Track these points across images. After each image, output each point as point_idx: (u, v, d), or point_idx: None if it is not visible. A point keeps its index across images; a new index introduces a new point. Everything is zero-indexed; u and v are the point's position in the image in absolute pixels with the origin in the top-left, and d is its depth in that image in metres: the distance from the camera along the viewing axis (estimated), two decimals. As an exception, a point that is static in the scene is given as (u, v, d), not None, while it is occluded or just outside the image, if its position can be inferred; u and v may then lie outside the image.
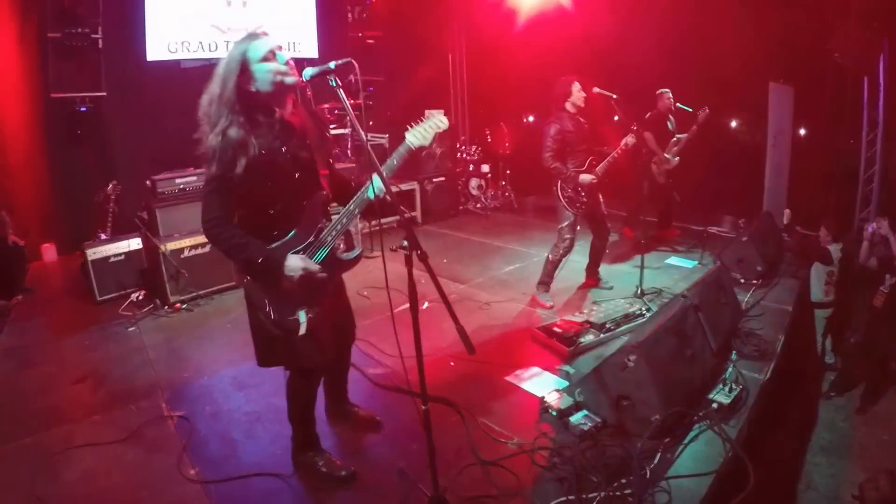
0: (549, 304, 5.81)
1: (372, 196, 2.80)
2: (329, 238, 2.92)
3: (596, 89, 5.61)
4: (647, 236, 6.34)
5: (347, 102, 2.63)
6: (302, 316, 2.93)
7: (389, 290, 3.04)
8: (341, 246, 3.04)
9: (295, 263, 2.79)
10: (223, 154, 2.71)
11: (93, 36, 8.52)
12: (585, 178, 5.49)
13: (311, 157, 2.95)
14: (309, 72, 2.72)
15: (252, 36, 2.80)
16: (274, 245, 2.85)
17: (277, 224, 2.88)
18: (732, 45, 8.08)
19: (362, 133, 2.67)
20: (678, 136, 7.59)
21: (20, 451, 3.94)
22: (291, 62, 2.78)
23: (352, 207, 2.89)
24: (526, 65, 11.21)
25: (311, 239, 2.90)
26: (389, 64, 11.69)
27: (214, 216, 2.78)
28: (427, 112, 3.01)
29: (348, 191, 3.08)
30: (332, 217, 3.02)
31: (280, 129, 2.82)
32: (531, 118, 12.39)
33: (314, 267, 2.85)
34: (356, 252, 3.12)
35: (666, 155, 7.52)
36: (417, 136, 2.89)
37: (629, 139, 5.51)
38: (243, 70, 2.74)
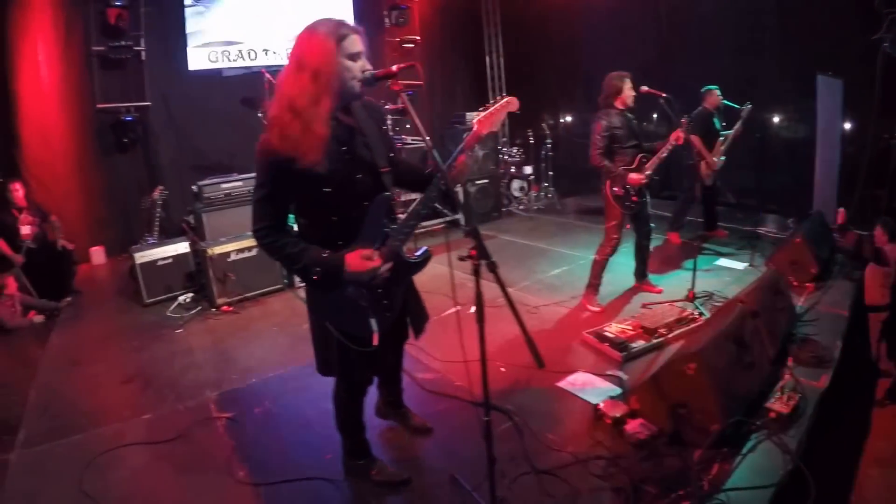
0: (598, 307, 5.65)
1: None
2: (397, 243, 2.73)
3: (644, 88, 5.47)
4: (697, 237, 6.16)
5: (411, 107, 2.59)
6: (374, 325, 2.75)
7: (454, 296, 2.96)
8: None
9: (355, 262, 2.59)
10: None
11: (135, 48, 8.77)
12: (635, 176, 5.33)
13: (372, 157, 2.70)
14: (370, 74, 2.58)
15: (341, 25, 2.52)
16: (338, 255, 2.62)
17: (341, 232, 2.67)
18: (777, 36, 7.90)
19: (426, 137, 2.56)
20: (724, 133, 7.38)
21: (69, 449, 3.98)
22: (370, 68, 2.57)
23: (419, 208, 2.75)
24: (567, 63, 11.15)
25: (378, 245, 2.69)
26: (427, 68, 11.68)
27: (265, 225, 2.59)
28: (495, 99, 2.87)
29: (420, 177, 2.96)
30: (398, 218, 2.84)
31: (338, 129, 2.58)
32: (569, 118, 12.29)
33: (376, 261, 2.64)
34: (424, 253, 2.96)
35: (714, 158, 7.33)
36: (487, 123, 2.80)
37: (679, 136, 5.33)
38: (337, 54, 2.49)
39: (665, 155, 5.43)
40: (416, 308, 3.25)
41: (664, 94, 5.41)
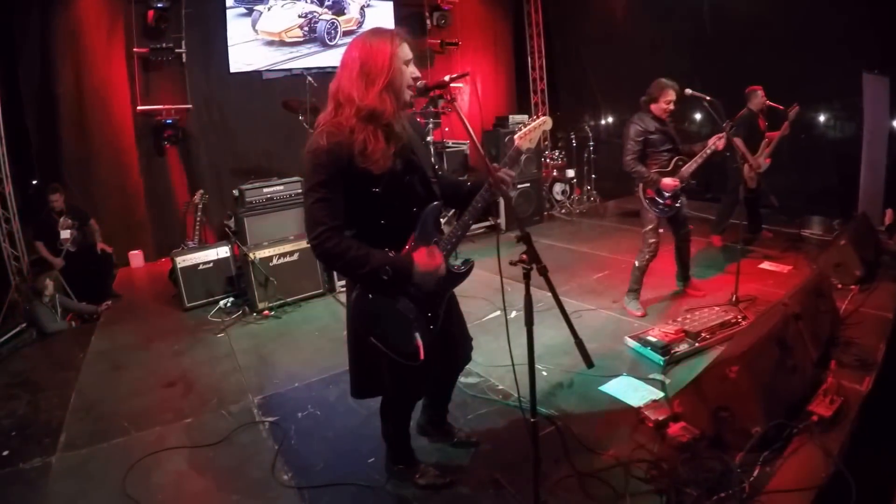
0: (640, 311, 5.64)
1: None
2: (445, 252, 2.79)
3: (689, 91, 5.40)
4: (741, 240, 6.05)
5: (463, 115, 2.62)
6: (419, 339, 2.78)
7: (503, 301, 2.91)
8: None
9: (424, 260, 2.64)
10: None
11: (177, 51, 8.91)
12: (669, 182, 5.32)
13: (420, 164, 2.78)
14: (422, 85, 2.65)
15: (396, 34, 2.61)
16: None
17: (390, 239, 2.69)
18: (822, 33, 7.76)
19: (479, 146, 2.59)
20: (769, 135, 7.26)
21: (111, 452, 4.05)
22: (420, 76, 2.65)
23: (466, 218, 2.80)
24: (610, 64, 11.09)
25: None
26: (469, 70, 11.66)
27: (326, 227, 2.52)
28: (531, 118, 2.94)
29: (462, 191, 3.00)
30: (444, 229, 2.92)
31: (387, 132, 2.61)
32: (611, 120, 12.21)
33: (439, 257, 2.72)
34: (466, 262, 3.01)
35: (759, 160, 7.22)
36: (525, 140, 2.85)
37: (718, 142, 5.29)
38: (393, 60, 2.58)
39: (702, 160, 5.39)
40: (462, 329, 3.30)
41: (708, 98, 5.36)
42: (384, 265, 2.55)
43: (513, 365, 2.91)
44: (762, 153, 7.23)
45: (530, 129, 2.85)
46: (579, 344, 2.48)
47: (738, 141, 6.93)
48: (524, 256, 2.47)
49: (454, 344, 3.18)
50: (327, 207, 2.53)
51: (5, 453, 4.13)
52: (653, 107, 5.40)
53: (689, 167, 5.38)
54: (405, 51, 2.58)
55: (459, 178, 3.18)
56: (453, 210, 6.12)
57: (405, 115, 2.73)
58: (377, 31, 2.59)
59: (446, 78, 2.60)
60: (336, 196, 2.55)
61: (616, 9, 11.07)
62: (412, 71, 2.61)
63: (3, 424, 4.58)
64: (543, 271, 2.43)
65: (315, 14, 9.98)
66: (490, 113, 11.23)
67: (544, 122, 2.92)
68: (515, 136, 2.88)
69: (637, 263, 5.64)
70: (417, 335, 2.77)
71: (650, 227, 5.54)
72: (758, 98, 7.19)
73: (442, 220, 2.97)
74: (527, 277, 2.50)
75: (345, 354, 3.05)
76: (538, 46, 12.71)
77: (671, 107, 5.38)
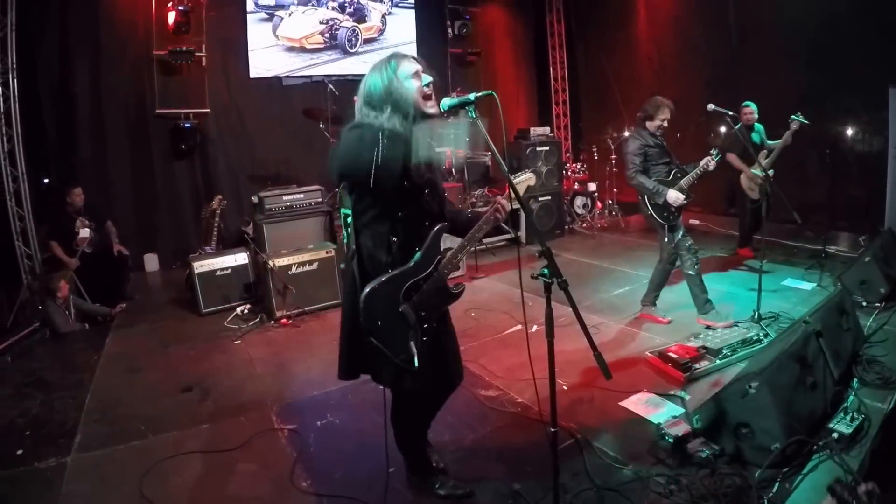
0: (726, 322, 5.64)
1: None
2: (446, 271, 3.00)
3: (711, 106, 5.51)
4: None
5: (485, 132, 2.72)
6: (413, 346, 2.91)
7: (524, 315, 3.14)
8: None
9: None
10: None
11: (197, 54, 9.02)
12: (673, 196, 5.49)
13: (436, 181, 3.01)
14: (447, 102, 2.77)
15: (399, 55, 2.89)
16: (397, 272, 2.87)
17: (398, 231, 2.88)
18: (848, 48, 7.81)
19: (503, 164, 2.79)
20: (769, 143, 7.39)
21: (127, 454, 4.11)
22: (430, 91, 2.82)
23: (465, 243, 3.03)
24: (633, 76, 11.18)
25: (431, 269, 2.95)
26: (490, 80, 11.93)
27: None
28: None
29: (459, 220, 3.18)
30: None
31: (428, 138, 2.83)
32: (626, 133, 12.25)
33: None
34: (462, 288, 3.17)
35: (754, 170, 7.36)
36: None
37: (710, 162, 5.50)
38: (400, 80, 2.80)
39: (696, 178, 5.54)
40: (455, 348, 3.35)
41: (731, 113, 5.49)
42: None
43: (534, 379, 2.99)
44: (759, 164, 7.29)
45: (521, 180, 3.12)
46: (598, 356, 2.59)
47: (731, 157, 7.27)
48: (545, 270, 2.62)
49: (448, 361, 3.24)
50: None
51: (19, 452, 4.19)
52: (648, 123, 5.65)
53: (687, 180, 5.54)
54: (405, 67, 2.79)
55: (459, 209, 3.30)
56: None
57: (429, 127, 2.86)
58: (377, 66, 2.88)
59: (471, 96, 2.69)
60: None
61: (640, 20, 11.18)
62: (419, 84, 2.79)
63: (16, 423, 4.65)
64: (564, 285, 2.56)
65: (336, 21, 10.14)
66: (511, 124, 11.30)
67: (529, 179, 3.18)
68: (500, 198, 3.10)
69: (691, 272, 5.71)
70: (413, 343, 2.89)
71: (680, 233, 5.68)
72: (744, 114, 7.41)
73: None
74: (548, 291, 2.66)
75: None
76: (560, 57, 12.84)
77: (665, 124, 5.65)
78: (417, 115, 2.79)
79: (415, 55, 2.89)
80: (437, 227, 2.96)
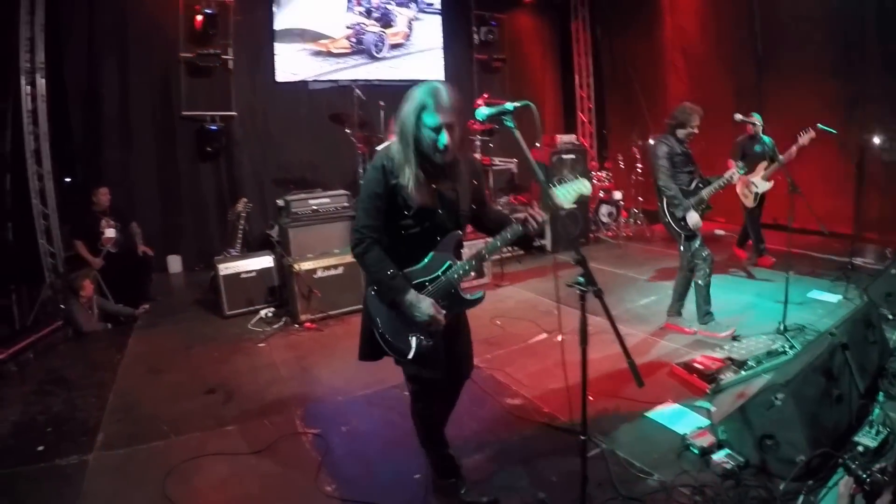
0: (727, 331, 5.62)
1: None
2: (455, 277, 3.06)
3: (738, 116, 5.52)
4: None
5: (523, 143, 2.83)
6: (413, 342, 3.06)
7: (560, 323, 2.99)
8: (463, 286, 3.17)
9: (425, 308, 2.95)
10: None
11: (223, 57, 9.09)
12: (694, 220, 5.52)
13: (456, 200, 3.09)
14: (484, 112, 2.86)
15: (437, 94, 2.85)
16: (406, 271, 3.03)
17: (408, 248, 3.04)
18: (877, 55, 7.74)
19: (539, 173, 2.85)
20: (780, 158, 7.26)
21: (150, 454, 4.12)
22: (450, 144, 2.85)
23: (482, 251, 3.14)
24: (659, 84, 11.11)
25: (438, 274, 3.05)
26: (515, 87, 11.90)
27: (363, 224, 2.99)
28: (569, 176, 3.27)
29: (503, 227, 3.22)
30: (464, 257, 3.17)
31: (433, 170, 2.97)
32: (652, 141, 12.16)
33: (440, 320, 2.98)
34: (479, 295, 3.23)
35: (752, 179, 7.43)
36: (564, 195, 3.16)
37: (734, 175, 5.62)
38: (417, 120, 2.86)
39: (716, 189, 5.60)
40: (467, 350, 3.52)
41: (757, 122, 5.49)
42: (383, 279, 2.97)
43: (566, 388, 3.10)
44: (758, 174, 7.46)
45: (569, 189, 3.17)
46: (631, 363, 2.67)
47: (729, 162, 7.22)
48: (580, 279, 2.71)
49: (458, 362, 3.39)
50: (367, 210, 3.00)
51: (40, 448, 4.20)
52: (679, 131, 5.63)
53: (708, 191, 5.58)
54: (432, 119, 2.81)
55: (504, 213, 3.36)
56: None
57: (461, 155, 3.05)
58: (416, 90, 2.90)
59: (509, 106, 2.78)
60: (382, 201, 2.97)
61: (666, 27, 11.10)
62: (434, 140, 2.84)
63: (38, 420, 4.66)
64: (599, 294, 2.69)
65: (362, 26, 10.16)
66: (537, 132, 11.22)
67: (584, 189, 3.24)
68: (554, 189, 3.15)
69: (701, 283, 5.69)
70: (413, 339, 3.05)
71: (697, 242, 5.64)
72: (748, 126, 7.43)
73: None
74: (582, 300, 2.75)
75: (389, 371, 3.40)
76: (586, 64, 12.81)
77: (696, 131, 5.62)
78: (425, 161, 2.92)
79: (449, 99, 2.85)
80: (451, 233, 3.08)
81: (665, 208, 5.67)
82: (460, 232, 3.14)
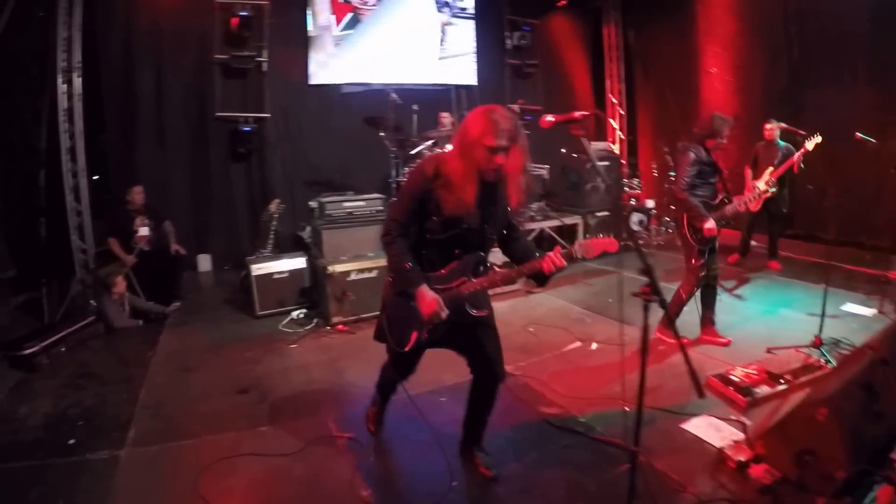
0: (725, 340, 5.69)
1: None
2: (466, 293, 3.32)
3: (783, 125, 5.41)
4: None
5: (590, 148, 2.82)
6: (413, 336, 3.40)
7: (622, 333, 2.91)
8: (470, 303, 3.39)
9: (430, 297, 3.23)
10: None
11: (257, 59, 9.11)
12: (710, 227, 5.44)
13: (486, 220, 3.30)
14: (549, 118, 3.00)
15: (496, 122, 3.04)
16: (426, 274, 3.32)
17: (429, 252, 3.34)
18: None
19: (602, 175, 2.85)
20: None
21: (182, 452, 4.11)
22: (500, 166, 3.08)
23: (485, 283, 3.35)
24: (692, 92, 10.97)
25: (451, 285, 3.33)
26: (548, 92, 11.88)
27: (393, 218, 3.33)
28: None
29: (526, 258, 3.44)
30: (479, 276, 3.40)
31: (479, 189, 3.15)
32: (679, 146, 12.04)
33: (441, 313, 3.25)
34: (483, 312, 3.46)
35: (757, 184, 7.42)
36: (585, 249, 3.25)
37: (763, 190, 5.85)
38: (479, 138, 3.05)
39: (746, 204, 5.86)
40: (495, 353, 3.62)
41: (802, 132, 5.37)
42: (404, 264, 3.26)
43: (625, 406, 3.18)
44: (762, 179, 7.46)
45: (595, 244, 3.25)
46: (692, 374, 2.79)
47: (745, 169, 7.81)
48: (645, 289, 2.81)
49: (490, 360, 3.56)
50: (400, 206, 3.35)
51: (71, 442, 4.20)
52: (710, 141, 5.54)
53: (733, 207, 5.60)
54: (489, 139, 3.01)
55: (532, 249, 3.61)
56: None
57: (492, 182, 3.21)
58: (479, 113, 3.13)
59: (577, 114, 2.92)
60: (411, 202, 3.28)
61: (699, 33, 10.92)
62: (487, 160, 3.05)
63: (69, 414, 4.65)
64: (664, 304, 2.75)
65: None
66: (568, 138, 11.13)
67: (610, 244, 3.30)
68: (576, 244, 3.27)
69: (686, 297, 5.70)
70: (415, 333, 3.38)
71: (703, 262, 5.63)
72: (766, 130, 7.73)
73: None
74: (646, 310, 2.84)
75: (424, 375, 3.86)
76: (618, 71, 12.72)
77: (725, 142, 5.57)
78: (473, 176, 3.13)
79: (510, 125, 3.06)
80: (473, 255, 3.34)
81: (684, 220, 5.63)
82: (482, 254, 3.39)
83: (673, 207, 10.30)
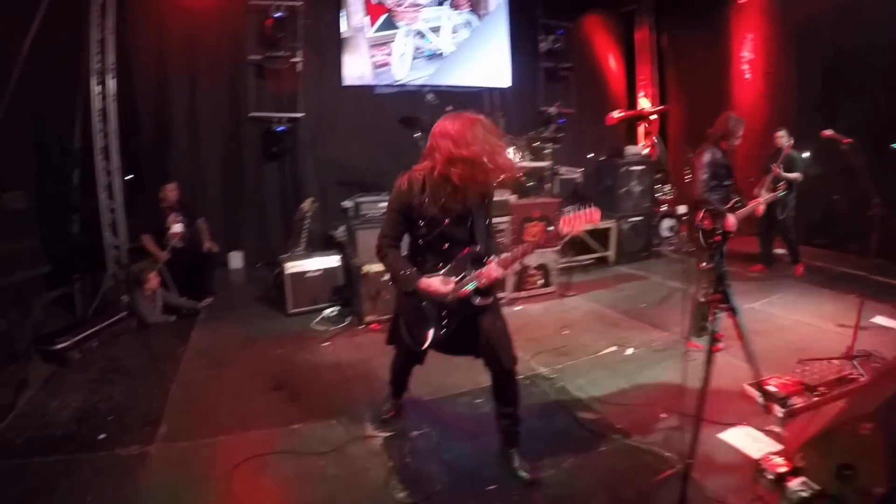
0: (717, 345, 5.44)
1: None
2: (468, 286, 3.47)
3: (828, 132, 5.31)
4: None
5: (662, 144, 2.64)
6: (430, 334, 3.58)
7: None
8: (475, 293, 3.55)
9: (434, 282, 3.43)
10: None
11: (292, 60, 9.05)
12: (732, 221, 5.44)
13: (463, 213, 3.49)
14: (616, 115, 2.83)
15: (475, 124, 3.35)
16: (428, 276, 3.50)
17: (423, 254, 3.59)
18: None
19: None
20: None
21: (214, 449, 4.03)
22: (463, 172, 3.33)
23: (466, 279, 3.48)
24: (723, 96, 10.73)
25: (455, 281, 3.48)
26: (581, 96, 11.68)
27: (383, 234, 3.59)
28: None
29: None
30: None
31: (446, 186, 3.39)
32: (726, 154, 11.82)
33: (447, 290, 3.43)
34: (487, 300, 3.60)
35: (761, 192, 7.31)
36: (571, 225, 3.33)
37: (776, 196, 6.10)
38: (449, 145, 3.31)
39: (757, 206, 5.87)
40: (500, 341, 3.67)
41: (848, 140, 5.18)
42: (399, 273, 3.53)
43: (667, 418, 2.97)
44: (763, 187, 7.55)
45: (578, 217, 3.30)
46: (758, 386, 3.05)
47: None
48: (716, 296, 2.94)
49: (494, 347, 3.61)
50: (389, 221, 3.60)
51: (102, 436, 4.14)
52: (724, 142, 5.58)
53: (745, 211, 5.68)
54: (457, 147, 3.28)
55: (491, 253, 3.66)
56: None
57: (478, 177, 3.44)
58: (444, 124, 3.39)
59: (646, 110, 2.66)
60: (396, 216, 3.55)
61: (733, 39, 10.66)
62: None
63: (100, 408, 4.60)
64: (735, 313, 2.90)
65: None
66: (600, 142, 10.82)
67: (592, 215, 3.33)
68: (562, 219, 3.35)
69: (703, 300, 5.58)
70: (430, 331, 3.58)
71: (717, 261, 5.56)
72: (776, 139, 7.84)
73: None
74: (715, 319, 2.99)
75: (460, 376, 4.32)
76: (650, 75, 12.52)
77: (739, 142, 5.62)
78: (442, 179, 3.37)
79: (479, 130, 3.32)
80: (467, 250, 3.52)
81: (698, 220, 5.55)
82: (477, 247, 3.53)
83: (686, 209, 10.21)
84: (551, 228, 3.45)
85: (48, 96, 7.03)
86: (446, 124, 3.34)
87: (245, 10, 8.77)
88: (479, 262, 3.50)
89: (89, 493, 3.47)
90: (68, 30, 7.22)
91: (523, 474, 3.66)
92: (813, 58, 9.15)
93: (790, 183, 7.42)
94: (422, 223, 3.45)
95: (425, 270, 3.50)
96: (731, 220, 5.41)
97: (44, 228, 6.23)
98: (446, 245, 3.52)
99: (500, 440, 3.82)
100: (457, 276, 3.47)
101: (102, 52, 7.46)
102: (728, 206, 5.48)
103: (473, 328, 3.61)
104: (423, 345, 3.61)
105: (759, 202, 5.99)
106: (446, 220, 3.45)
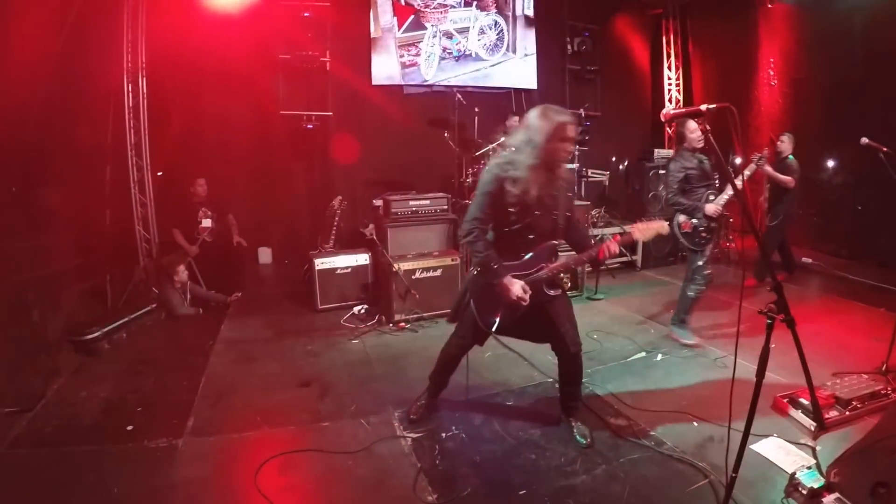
0: (693, 340, 5.68)
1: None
2: (543, 276, 3.68)
3: (864, 140, 5.24)
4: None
5: (716, 144, 3.04)
6: (498, 319, 3.71)
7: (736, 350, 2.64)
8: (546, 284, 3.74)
9: (516, 290, 3.56)
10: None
11: (321, 59, 8.95)
12: (710, 207, 5.51)
13: (554, 205, 3.64)
14: (671, 112, 3.25)
15: (564, 118, 3.46)
16: (507, 263, 3.66)
17: (508, 242, 3.68)
18: None
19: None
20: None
21: (243, 444, 3.96)
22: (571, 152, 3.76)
23: (571, 264, 3.88)
24: (749, 100, 10.53)
25: (532, 271, 3.68)
26: (607, 98, 11.51)
27: (473, 217, 3.61)
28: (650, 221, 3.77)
29: (582, 245, 3.95)
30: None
31: (542, 177, 3.50)
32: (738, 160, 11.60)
33: (525, 300, 3.58)
34: (557, 291, 3.82)
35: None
36: (643, 232, 3.75)
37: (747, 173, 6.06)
38: (554, 134, 3.43)
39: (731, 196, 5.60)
40: (566, 325, 3.87)
41: (885, 149, 5.13)
42: (490, 262, 3.61)
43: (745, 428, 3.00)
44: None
45: (648, 227, 3.72)
46: (814, 403, 3.12)
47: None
48: (773, 306, 2.78)
49: (561, 332, 3.81)
50: (478, 203, 3.64)
51: (130, 428, 4.07)
52: (685, 143, 5.59)
53: (721, 198, 5.59)
54: (561, 131, 3.44)
55: (589, 236, 4.25)
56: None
57: (560, 171, 3.64)
58: (548, 114, 3.47)
59: (703, 107, 2.99)
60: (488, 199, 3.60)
61: (760, 43, 10.42)
62: (566, 147, 3.51)
63: (128, 399, 4.53)
64: (790, 323, 2.77)
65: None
66: (628, 145, 10.96)
67: (662, 228, 3.75)
68: (634, 227, 3.73)
69: (691, 294, 5.71)
70: (500, 314, 3.70)
71: (703, 261, 5.71)
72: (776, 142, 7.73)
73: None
74: (769, 328, 2.82)
75: (489, 379, 4.39)
76: (678, 78, 12.33)
77: (698, 135, 5.49)
78: (541, 169, 3.48)
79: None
80: (550, 243, 3.71)
81: (676, 228, 5.66)
82: (555, 242, 3.73)
83: (730, 219, 10.00)
84: (625, 232, 3.74)
85: (82, 94, 7.01)
86: (549, 117, 3.42)
87: (275, 8, 8.68)
88: (555, 255, 3.74)
89: (115, 486, 3.40)
90: (102, 29, 7.19)
91: (582, 440, 3.93)
92: (841, 65, 8.88)
93: (783, 189, 7.28)
94: (512, 210, 3.51)
95: (507, 258, 3.64)
96: (710, 207, 5.47)
97: (76, 222, 6.22)
98: (531, 236, 3.64)
99: (560, 412, 4.14)
100: (535, 269, 3.65)
101: (134, 51, 7.49)
102: (702, 202, 5.53)
103: (540, 316, 3.77)
104: (491, 327, 3.73)
105: (741, 178, 5.90)
106: (537, 211, 3.55)
